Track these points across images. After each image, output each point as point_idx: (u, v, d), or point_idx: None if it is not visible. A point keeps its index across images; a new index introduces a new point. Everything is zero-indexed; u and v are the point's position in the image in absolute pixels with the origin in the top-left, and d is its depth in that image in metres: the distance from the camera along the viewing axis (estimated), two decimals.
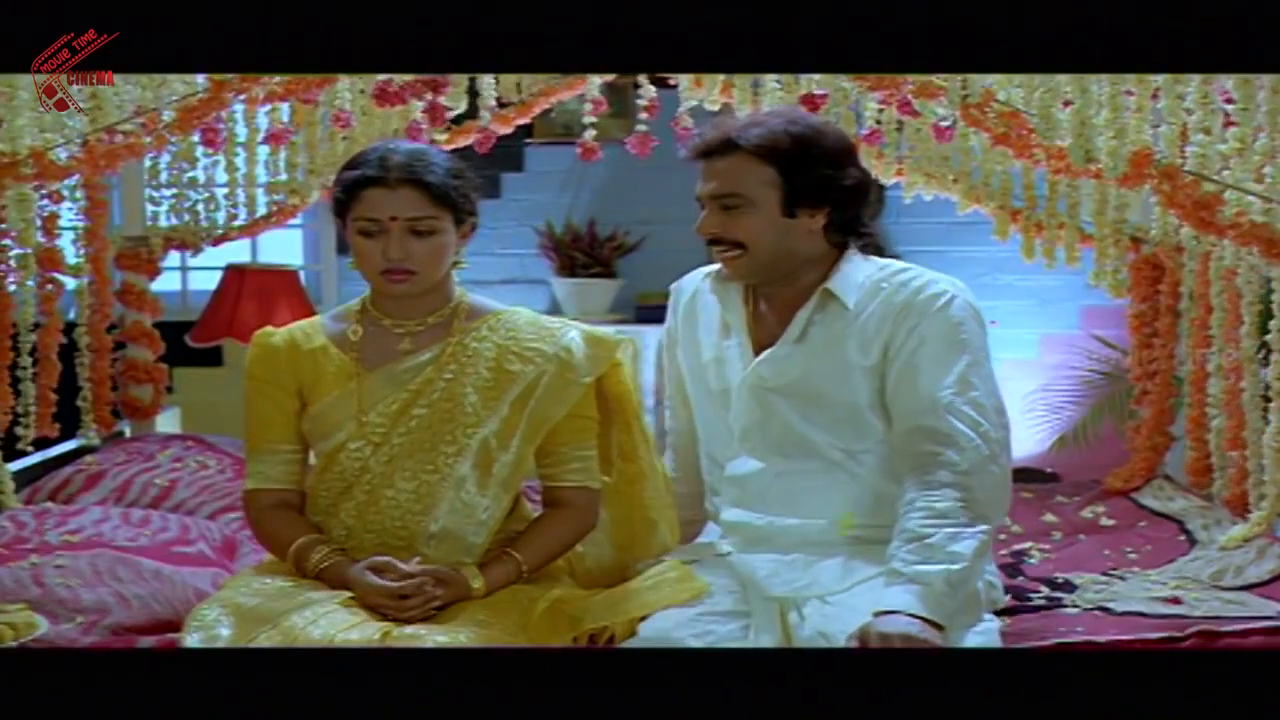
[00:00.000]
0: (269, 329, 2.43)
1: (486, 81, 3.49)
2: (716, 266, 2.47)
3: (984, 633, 2.21)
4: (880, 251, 2.41)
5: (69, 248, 3.80)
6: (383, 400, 2.32)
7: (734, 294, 2.44)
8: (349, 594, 2.19)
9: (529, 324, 2.39)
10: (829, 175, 2.32)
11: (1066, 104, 2.91)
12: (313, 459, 2.41)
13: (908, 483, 2.22)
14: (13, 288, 3.30)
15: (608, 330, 2.43)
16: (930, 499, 2.17)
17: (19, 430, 3.38)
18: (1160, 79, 2.83)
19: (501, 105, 3.64)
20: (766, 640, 2.18)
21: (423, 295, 2.34)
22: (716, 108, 3.54)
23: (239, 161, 3.90)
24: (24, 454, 3.44)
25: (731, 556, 2.36)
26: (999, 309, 5.43)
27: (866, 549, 2.28)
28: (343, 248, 5.29)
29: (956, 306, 2.30)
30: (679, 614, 2.21)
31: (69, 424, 3.71)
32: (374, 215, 2.26)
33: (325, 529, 2.34)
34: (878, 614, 2.07)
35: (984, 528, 2.18)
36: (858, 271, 2.36)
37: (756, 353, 2.38)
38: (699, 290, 2.52)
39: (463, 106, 3.48)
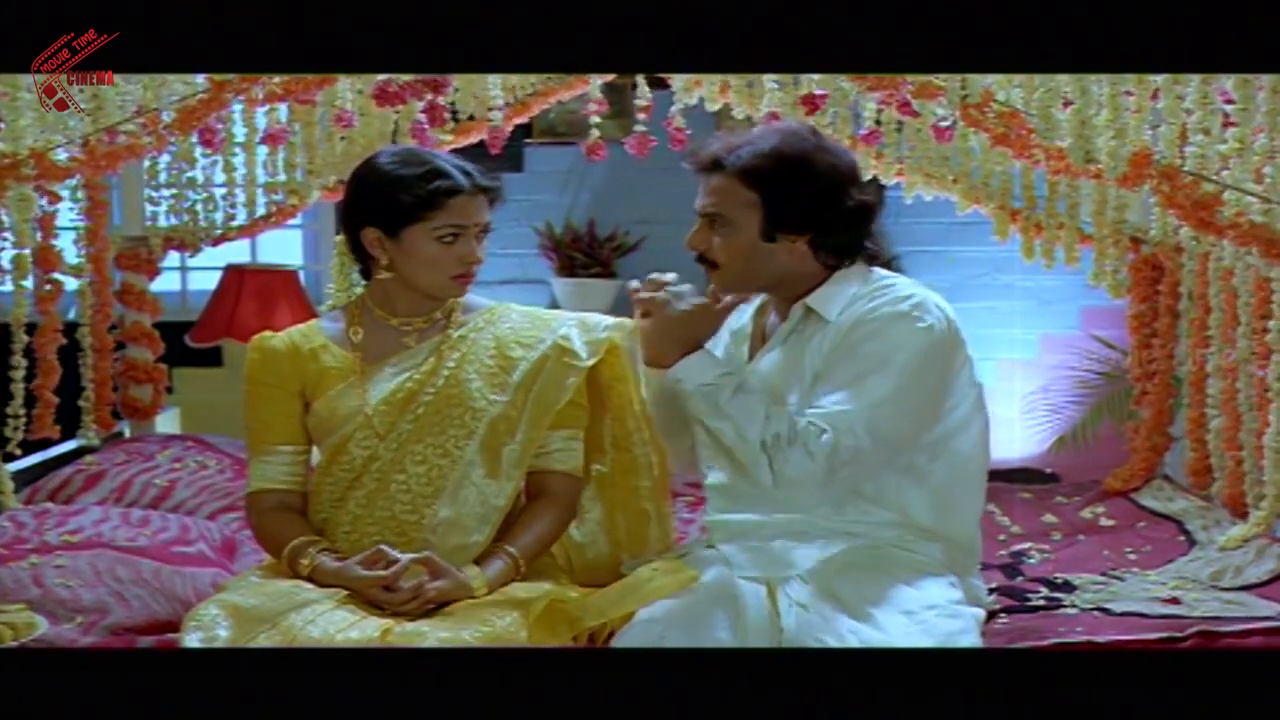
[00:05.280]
0: (267, 333, 2.45)
1: (493, 81, 3.49)
2: None
3: (966, 629, 2.21)
4: (878, 258, 2.40)
5: (69, 248, 3.80)
6: (388, 390, 2.34)
7: (751, 305, 2.49)
8: (347, 592, 2.19)
9: (524, 315, 2.44)
10: (814, 203, 2.30)
11: (1066, 104, 2.91)
12: (315, 458, 2.41)
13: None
14: (7, 288, 3.30)
15: (603, 317, 2.44)
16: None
17: (7, 432, 3.37)
18: (1160, 79, 2.84)
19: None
20: (753, 622, 2.18)
21: None
22: (716, 108, 3.54)
23: (238, 162, 3.90)
24: (23, 454, 3.43)
25: (717, 547, 2.37)
26: (999, 309, 5.43)
27: (846, 538, 2.31)
28: None
29: (908, 325, 2.25)
30: (672, 602, 2.22)
31: (69, 424, 3.71)
32: (463, 222, 2.31)
33: (330, 522, 2.35)
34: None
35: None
36: (844, 288, 2.33)
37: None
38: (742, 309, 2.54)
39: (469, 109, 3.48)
